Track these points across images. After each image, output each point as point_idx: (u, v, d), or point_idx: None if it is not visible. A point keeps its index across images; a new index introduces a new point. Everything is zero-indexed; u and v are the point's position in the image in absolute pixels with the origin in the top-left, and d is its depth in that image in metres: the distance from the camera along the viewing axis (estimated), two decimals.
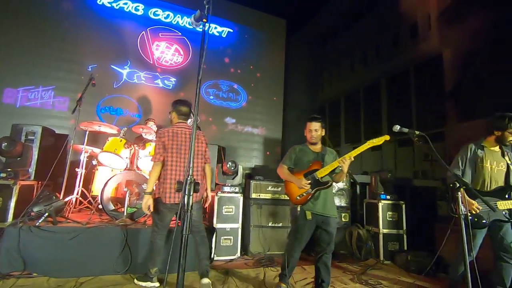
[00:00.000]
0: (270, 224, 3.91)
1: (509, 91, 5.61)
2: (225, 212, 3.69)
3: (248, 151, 6.85)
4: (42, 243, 2.75)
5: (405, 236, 3.90)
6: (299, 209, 2.50)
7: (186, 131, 2.65)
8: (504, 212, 2.35)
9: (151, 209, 2.50)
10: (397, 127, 2.20)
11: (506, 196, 2.36)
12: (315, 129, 2.59)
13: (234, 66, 6.97)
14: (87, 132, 3.76)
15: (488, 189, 2.44)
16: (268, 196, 3.98)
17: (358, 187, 4.89)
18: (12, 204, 2.86)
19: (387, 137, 2.43)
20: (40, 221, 2.84)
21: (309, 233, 2.50)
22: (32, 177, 3.45)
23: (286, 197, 3.94)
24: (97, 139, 4.23)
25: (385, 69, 9.61)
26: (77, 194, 3.54)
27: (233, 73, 6.93)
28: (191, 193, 1.29)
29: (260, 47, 7.33)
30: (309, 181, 2.47)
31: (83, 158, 3.67)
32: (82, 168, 3.63)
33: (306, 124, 2.64)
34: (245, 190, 3.99)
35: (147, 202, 2.47)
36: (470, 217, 2.35)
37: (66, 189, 3.57)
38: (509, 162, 2.43)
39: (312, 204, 2.47)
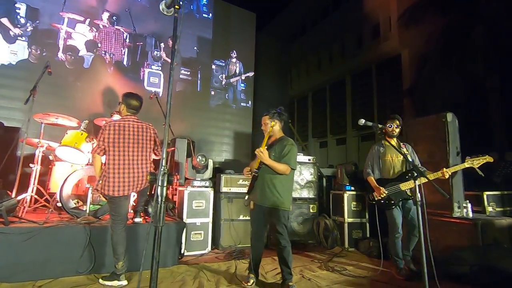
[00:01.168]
0: (241, 217, 3.94)
1: (456, 91, 6.18)
2: (195, 206, 3.64)
3: (219, 145, 6.79)
4: None
5: (367, 224, 4.17)
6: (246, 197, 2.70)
7: (134, 125, 2.71)
8: (406, 190, 2.94)
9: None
10: (362, 121, 2.34)
11: (407, 177, 2.93)
12: (265, 123, 2.72)
13: (204, 57, 6.82)
14: (43, 125, 3.46)
15: (392, 176, 3.05)
16: (239, 189, 3.99)
17: (324, 180, 5.10)
18: None
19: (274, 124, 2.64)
20: None
21: (259, 221, 2.65)
22: None
23: None
24: (54, 132, 3.91)
25: (349, 67, 10.05)
26: (32, 191, 3.26)
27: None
28: (165, 184, 1.26)
29: (231, 40, 7.25)
30: (249, 172, 2.69)
31: (39, 153, 3.38)
32: (37, 163, 3.34)
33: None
34: (215, 184, 3.96)
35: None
36: (382, 201, 3.00)
37: (19, 186, 3.27)
38: (405, 151, 3.00)
39: (253, 194, 2.63)
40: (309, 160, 4.45)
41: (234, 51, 7.23)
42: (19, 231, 2.62)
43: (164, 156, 1.26)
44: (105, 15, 5.74)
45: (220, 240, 3.79)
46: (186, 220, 3.52)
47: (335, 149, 10.75)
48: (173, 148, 4.34)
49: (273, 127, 2.62)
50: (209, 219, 3.69)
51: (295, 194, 4.24)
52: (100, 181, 2.57)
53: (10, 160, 3.38)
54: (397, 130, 3.02)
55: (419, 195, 2.33)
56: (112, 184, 2.54)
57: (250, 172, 2.69)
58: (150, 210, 3.35)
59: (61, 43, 5.29)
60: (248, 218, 3.94)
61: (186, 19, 6.46)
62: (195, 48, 6.62)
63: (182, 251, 3.37)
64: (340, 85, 10.58)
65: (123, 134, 2.63)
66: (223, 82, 7.05)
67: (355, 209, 4.17)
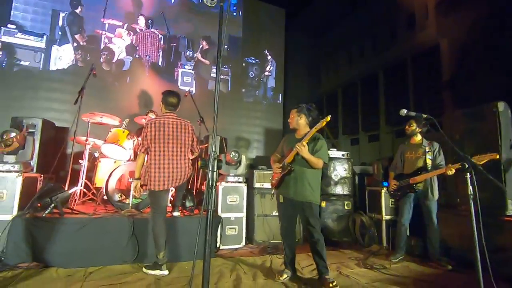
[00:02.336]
0: (274, 213, 3.94)
1: (503, 81, 5.68)
2: (230, 201, 3.71)
3: (250, 142, 6.85)
4: (49, 234, 2.74)
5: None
6: (273, 192, 2.77)
7: (173, 122, 2.81)
8: (413, 185, 3.22)
9: (142, 192, 2.75)
10: (404, 111, 2.27)
11: (418, 173, 3.21)
12: (291, 117, 2.74)
13: (235, 55, 6.91)
14: (89, 124, 3.73)
15: (409, 172, 3.31)
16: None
17: (356, 177, 4.94)
18: (17, 196, 2.83)
19: (327, 119, 2.48)
20: (46, 212, 2.82)
21: (288, 216, 2.69)
22: (35, 170, 3.42)
23: None
24: (99, 130, 4.18)
25: (382, 60, 9.61)
26: (81, 186, 3.52)
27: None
28: (215, 169, 1.31)
29: (260, 37, 7.27)
30: (281, 167, 2.65)
31: (86, 150, 3.64)
32: (85, 160, 3.60)
33: None
34: (248, 180, 4.00)
35: (136, 186, 2.73)
36: (392, 191, 3.47)
37: (70, 181, 3.55)
38: (427, 149, 3.24)
39: (282, 188, 2.65)
40: (342, 155, 4.35)
41: (266, 50, 7.27)
42: (72, 222, 2.84)
43: (214, 141, 1.31)
44: (141, 19, 6.03)
45: (254, 235, 3.83)
46: (221, 214, 3.59)
47: (367, 146, 10.36)
48: (206, 145, 4.46)
49: (299, 120, 2.68)
50: (243, 214, 3.74)
51: (328, 191, 4.17)
52: (145, 176, 2.70)
53: (61, 157, 3.66)
54: (412, 128, 3.33)
55: (430, 190, 3.08)
56: (153, 179, 2.66)
57: (281, 168, 2.66)
58: (187, 204, 3.47)
59: (102, 47, 5.66)
60: None
61: (216, 18, 6.59)
62: (226, 46, 6.73)
63: (218, 245, 3.45)
64: (372, 80, 10.18)
65: (163, 131, 2.73)
66: (254, 80, 7.09)
67: (393, 206, 4.00)
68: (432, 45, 7.81)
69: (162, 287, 2.38)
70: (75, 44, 5.45)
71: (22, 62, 5.09)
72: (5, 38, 5.00)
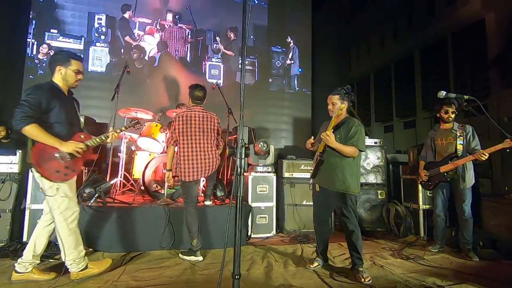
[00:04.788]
0: (304, 203, 3.92)
1: None
2: (259, 191, 3.75)
3: (278, 132, 6.82)
4: (94, 221, 2.99)
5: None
6: (311, 181, 2.69)
7: (200, 114, 2.88)
8: (445, 174, 3.06)
9: (174, 182, 2.91)
10: (443, 93, 2.14)
11: (449, 161, 3.02)
12: (332, 102, 2.52)
13: (261, 45, 6.85)
14: (125, 119, 3.95)
15: (440, 160, 3.12)
16: (301, 174, 3.97)
17: (390, 166, 4.72)
18: None
19: (342, 106, 2.46)
20: (91, 201, 3.07)
21: (322, 205, 2.62)
22: None
23: None
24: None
25: (418, 40, 8.95)
26: (121, 177, 3.76)
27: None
28: (243, 157, 1.34)
29: (287, 25, 7.12)
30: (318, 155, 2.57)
31: (124, 144, 3.87)
32: (123, 153, 3.84)
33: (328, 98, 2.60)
34: (277, 170, 4.01)
35: (168, 177, 2.90)
36: (423, 182, 3.31)
37: (111, 173, 3.81)
38: (458, 134, 3.02)
39: (318, 178, 2.59)
40: (375, 143, 4.18)
41: (289, 37, 7.09)
42: (114, 210, 3.07)
43: (241, 129, 1.33)
44: (169, 15, 6.19)
45: (285, 224, 3.85)
46: (251, 204, 3.66)
47: (402, 133, 9.82)
48: (235, 136, 4.52)
49: (342, 109, 2.44)
50: (273, 204, 3.77)
51: (361, 180, 4.04)
52: (177, 168, 2.82)
53: (102, 151, 3.93)
54: (453, 116, 3.08)
55: (462, 178, 2.87)
56: (183, 170, 2.77)
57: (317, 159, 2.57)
58: (218, 193, 3.57)
59: (134, 45, 5.91)
60: (310, 203, 3.90)
61: (241, 9, 6.55)
62: (252, 37, 6.69)
63: (249, 233, 3.53)
64: (407, 62, 9.54)
65: (190, 123, 2.83)
66: (280, 69, 7.00)
67: (431, 195, 3.78)
68: (477, 20, 7.11)
69: (197, 271, 2.50)
70: (112, 45, 5.76)
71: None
72: (49, 42, 5.42)
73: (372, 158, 4.13)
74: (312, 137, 2.67)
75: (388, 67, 10.26)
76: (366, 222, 3.97)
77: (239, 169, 1.36)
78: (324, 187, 2.55)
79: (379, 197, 4.06)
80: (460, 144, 2.98)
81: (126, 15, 5.81)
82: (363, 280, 2.32)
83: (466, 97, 2.16)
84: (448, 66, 8.08)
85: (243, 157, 1.36)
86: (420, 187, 3.76)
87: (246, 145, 1.36)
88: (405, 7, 9.17)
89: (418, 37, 8.81)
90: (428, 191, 3.77)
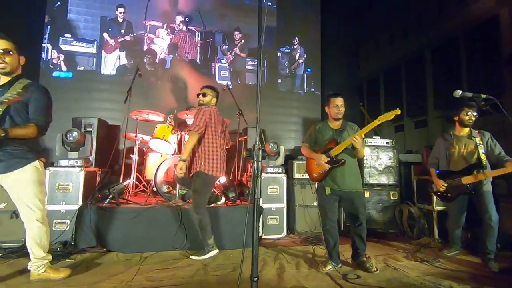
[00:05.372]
0: (315, 204, 3.90)
1: None
2: (270, 192, 3.75)
3: (287, 133, 6.80)
4: (109, 222, 3.04)
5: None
6: (316, 185, 2.70)
7: (219, 115, 2.97)
8: (467, 185, 2.76)
9: (183, 173, 2.74)
10: (459, 92, 2.10)
11: (471, 170, 2.75)
12: (341, 104, 2.62)
13: (270, 45, 6.84)
14: (138, 121, 4.01)
15: (459, 169, 2.84)
16: None
17: (401, 166, 4.65)
18: (81, 188, 3.16)
19: (397, 112, 2.42)
20: (106, 202, 3.13)
21: (333, 207, 2.65)
22: (93, 164, 3.79)
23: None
24: (146, 127, 4.49)
25: (429, 38, 8.79)
26: (133, 178, 3.82)
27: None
28: (260, 159, 1.35)
29: (295, 25, 7.10)
30: (328, 160, 2.57)
31: (136, 145, 3.93)
32: (135, 154, 3.90)
33: (330, 100, 2.66)
34: (288, 171, 4.00)
35: (182, 168, 2.72)
36: (439, 193, 2.99)
37: (123, 174, 3.88)
38: (478, 142, 2.77)
39: (330, 181, 2.59)
40: (387, 143, 4.14)
41: (296, 38, 7.07)
42: (128, 211, 3.12)
43: (258, 132, 1.34)
44: (179, 18, 6.26)
45: (296, 225, 3.84)
46: (262, 205, 3.66)
47: (413, 133, 9.66)
48: (245, 137, 4.53)
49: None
50: (283, 205, 3.76)
51: (373, 180, 4.01)
52: (200, 160, 2.79)
53: (115, 152, 4.00)
54: (474, 118, 2.82)
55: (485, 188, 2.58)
56: (213, 163, 2.79)
57: (329, 162, 2.56)
58: (230, 194, 3.58)
59: (145, 49, 6.00)
60: None
61: (249, 10, 6.58)
62: (261, 38, 6.68)
63: (260, 234, 3.53)
64: (417, 61, 9.38)
65: (216, 120, 2.88)
66: (287, 70, 6.98)
67: (431, 191, 3.69)
68: (490, 16, 6.95)
69: (210, 272, 2.51)
70: (121, 48, 5.86)
71: (78, 67, 5.63)
72: (63, 47, 5.56)
73: (384, 159, 4.08)
74: (323, 155, 2.60)
75: (398, 66, 10.12)
76: (378, 223, 3.93)
77: (256, 171, 1.36)
78: (336, 189, 2.58)
79: (391, 198, 4.01)
80: (483, 153, 2.72)
81: (118, 14, 5.85)
82: (374, 269, 2.53)
83: (483, 96, 2.10)
84: (460, 64, 7.92)
85: (259, 160, 1.37)
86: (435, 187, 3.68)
87: (263, 148, 1.37)
88: (415, 5, 9.03)
89: (429, 35, 8.66)
90: None
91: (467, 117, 2.83)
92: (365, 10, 11.46)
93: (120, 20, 5.85)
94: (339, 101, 2.62)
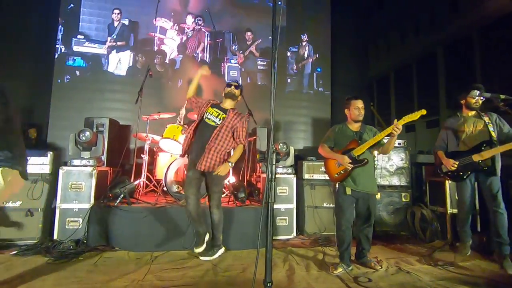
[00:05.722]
0: (325, 205, 3.87)
1: None
2: (279, 193, 3.73)
3: (296, 133, 6.75)
4: (120, 221, 3.08)
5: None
6: (337, 186, 2.68)
7: None
8: (479, 162, 2.72)
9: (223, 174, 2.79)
10: (476, 93, 2.03)
11: (482, 148, 2.73)
12: (362, 107, 2.68)
13: (279, 45, 6.80)
14: (148, 121, 4.04)
15: (469, 148, 2.83)
16: (321, 176, 3.92)
17: (413, 167, 4.56)
18: (93, 187, 3.21)
19: (423, 112, 2.47)
20: (117, 201, 3.17)
21: (351, 208, 2.67)
22: (105, 164, 3.85)
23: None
24: (157, 127, 4.53)
25: (442, 36, 8.60)
26: (144, 178, 3.86)
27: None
28: (274, 163, 1.35)
29: (305, 24, 7.05)
30: (351, 161, 2.58)
31: (147, 145, 3.97)
32: (146, 154, 3.94)
33: (350, 102, 2.71)
34: (297, 171, 3.98)
35: (225, 170, 2.77)
36: (450, 173, 2.92)
37: (134, 174, 3.92)
38: (487, 121, 2.79)
39: (351, 181, 2.60)
40: (399, 144, 4.06)
41: (305, 34, 7.01)
42: (139, 210, 3.16)
43: (272, 136, 1.33)
44: (189, 18, 6.29)
45: (305, 226, 3.82)
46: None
47: (425, 133, 9.48)
48: (254, 137, 4.52)
49: None
50: (293, 205, 3.74)
51: (384, 182, 3.95)
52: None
53: (126, 152, 4.05)
54: (481, 101, 2.85)
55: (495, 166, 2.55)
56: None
57: (351, 162, 2.56)
58: (239, 195, 3.58)
59: (156, 49, 6.06)
60: (331, 205, 3.85)
61: (259, 10, 6.56)
62: (270, 37, 6.66)
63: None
64: (429, 60, 9.18)
65: None
66: (295, 68, 6.94)
67: (440, 172, 3.59)
68: (506, 13, 6.75)
69: (219, 273, 2.52)
70: (134, 49, 5.94)
71: (90, 68, 5.72)
72: (76, 48, 5.66)
73: (396, 160, 4.02)
74: (345, 156, 2.61)
75: (409, 64, 9.93)
76: (389, 225, 3.87)
77: (270, 175, 1.35)
78: (356, 190, 2.59)
79: (403, 200, 3.94)
80: (492, 131, 2.74)
81: (113, 17, 5.90)
82: (378, 267, 2.65)
83: (502, 96, 2.06)
84: (474, 63, 7.72)
85: (273, 163, 1.35)
86: (447, 189, 3.61)
87: (276, 150, 1.36)
88: (427, 2, 8.84)
89: (441, 33, 8.47)
90: (456, 195, 3.61)
91: (473, 100, 2.85)
92: (375, 8, 11.29)
93: (115, 24, 5.88)
94: (360, 103, 2.67)
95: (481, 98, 2.83)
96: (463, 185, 2.91)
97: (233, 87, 2.94)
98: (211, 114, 2.86)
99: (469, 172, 2.84)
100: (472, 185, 2.89)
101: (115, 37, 5.83)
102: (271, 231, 1.33)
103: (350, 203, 2.65)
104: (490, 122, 2.80)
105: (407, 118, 2.45)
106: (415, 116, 2.43)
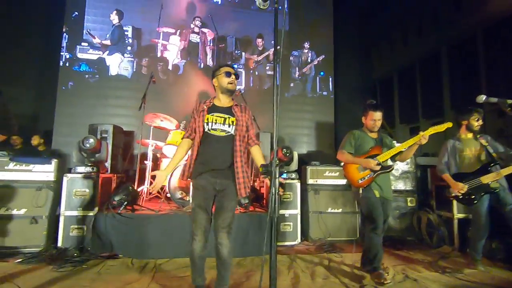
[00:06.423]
0: (329, 210, 3.84)
1: None
2: (284, 198, 3.70)
3: (300, 137, 6.72)
4: (124, 228, 3.07)
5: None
6: (361, 191, 2.59)
7: None
8: (489, 183, 2.74)
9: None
10: (482, 97, 2.06)
11: (488, 169, 2.76)
12: (379, 119, 2.68)
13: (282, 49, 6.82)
14: (152, 127, 4.05)
15: (473, 170, 2.84)
16: (325, 181, 3.89)
17: (418, 170, 4.51)
18: (97, 194, 3.22)
19: (449, 124, 2.58)
20: (121, 208, 3.16)
21: (381, 211, 2.57)
22: (109, 170, 3.86)
23: (344, 182, 3.85)
24: (160, 133, 4.53)
25: (445, 37, 8.53)
26: (148, 184, 3.86)
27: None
28: (277, 176, 1.32)
29: (307, 28, 7.05)
30: (377, 164, 2.56)
31: (150, 151, 3.98)
32: (149, 160, 3.94)
33: (368, 112, 2.69)
34: (301, 176, 3.95)
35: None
36: (461, 196, 2.85)
37: (138, 180, 3.92)
38: (484, 143, 2.85)
39: (377, 186, 2.59)
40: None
41: (308, 42, 7.03)
42: (142, 217, 3.15)
43: (276, 149, 1.31)
44: (192, 24, 6.32)
45: (310, 232, 3.78)
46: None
47: (429, 135, 9.34)
48: (258, 142, 4.50)
49: None
50: (297, 211, 3.71)
51: None
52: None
53: (130, 158, 4.05)
54: (479, 124, 2.92)
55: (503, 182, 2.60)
56: None
57: (379, 168, 2.54)
58: (242, 201, 3.56)
59: (159, 56, 6.10)
60: (336, 211, 3.83)
61: (265, 15, 6.57)
62: (272, 42, 6.68)
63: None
64: (433, 60, 9.10)
65: None
66: (297, 74, 6.93)
67: (449, 196, 3.55)
68: (510, 13, 6.67)
69: None
70: (137, 55, 5.98)
71: (94, 74, 5.77)
72: (80, 55, 5.71)
73: (401, 164, 3.97)
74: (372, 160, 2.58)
75: (412, 66, 9.85)
76: (395, 230, 3.82)
77: (273, 188, 1.32)
78: (382, 196, 2.60)
79: (409, 204, 3.90)
80: (492, 152, 2.80)
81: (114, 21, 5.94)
82: (386, 275, 2.52)
83: (509, 101, 2.03)
84: (478, 63, 7.63)
85: (277, 176, 1.33)
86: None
87: (280, 164, 1.33)
88: (430, 2, 8.77)
89: (445, 33, 8.39)
90: None
91: (476, 123, 2.90)
92: (377, 9, 11.25)
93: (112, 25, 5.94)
94: (377, 115, 2.66)
95: (481, 122, 2.91)
96: (479, 210, 2.84)
97: (233, 76, 2.21)
98: (215, 123, 2.15)
99: (482, 194, 2.80)
100: (485, 205, 2.83)
101: (108, 37, 5.87)
102: (275, 249, 1.29)
103: (380, 206, 2.57)
104: (487, 144, 2.86)
105: (433, 130, 2.52)
106: (441, 128, 2.52)
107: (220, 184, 2.10)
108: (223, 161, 2.11)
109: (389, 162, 2.62)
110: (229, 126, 2.16)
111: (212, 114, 2.16)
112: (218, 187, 2.11)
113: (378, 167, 2.53)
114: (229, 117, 2.18)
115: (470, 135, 2.99)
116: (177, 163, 2.30)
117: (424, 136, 2.46)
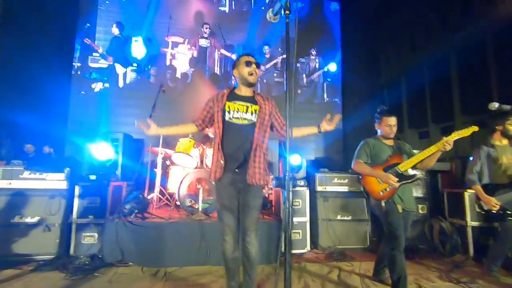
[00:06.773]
0: (338, 218, 3.80)
1: None
2: (292, 205, 3.68)
3: (308, 144, 6.70)
4: (134, 236, 3.10)
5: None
6: (383, 204, 2.43)
7: None
8: None
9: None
10: (495, 105, 2.03)
11: None
12: (394, 124, 2.56)
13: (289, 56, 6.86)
14: (161, 136, 4.10)
15: (507, 181, 2.66)
16: (334, 188, 3.86)
17: (428, 175, 4.43)
18: (108, 202, 3.26)
19: (475, 128, 2.36)
20: (132, 216, 3.20)
21: (403, 226, 2.42)
22: (119, 178, 3.91)
23: (353, 189, 3.82)
24: (169, 140, 4.58)
25: (454, 40, 8.44)
26: (157, 192, 3.90)
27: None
28: (291, 189, 1.32)
29: (315, 34, 7.08)
30: (398, 175, 2.44)
31: (160, 159, 4.02)
32: (158, 168, 3.98)
33: (382, 118, 2.58)
34: (310, 183, 3.93)
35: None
36: (494, 212, 2.65)
37: (148, 188, 3.96)
38: None
39: (400, 198, 2.43)
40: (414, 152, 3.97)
41: (314, 48, 7.06)
42: (152, 225, 3.17)
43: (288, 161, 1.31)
44: (200, 33, 6.43)
45: (319, 240, 3.74)
46: (284, 219, 3.59)
47: (439, 140, 9.18)
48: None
49: None
50: (306, 218, 3.69)
51: None
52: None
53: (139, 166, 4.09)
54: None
55: None
56: None
57: (398, 180, 2.42)
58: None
59: (168, 65, 6.21)
60: (345, 218, 3.79)
61: (270, 23, 6.63)
62: (280, 49, 6.74)
63: (282, 250, 3.46)
64: (442, 65, 9.00)
65: None
66: (305, 80, 6.95)
67: (480, 210, 3.49)
68: None
69: None
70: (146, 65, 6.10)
71: (106, 84, 5.91)
72: (92, 65, 5.86)
73: (409, 170, 3.91)
74: (391, 174, 2.46)
75: (421, 69, 9.75)
76: (406, 239, 3.70)
77: (287, 202, 1.33)
78: (405, 208, 2.43)
79: (420, 212, 3.83)
80: None
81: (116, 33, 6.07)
82: None
83: None
84: (488, 68, 7.52)
85: (290, 190, 1.34)
86: (467, 201, 3.48)
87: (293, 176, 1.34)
88: (438, 5, 8.71)
89: (454, 37, 8.31)
90: (476, 206, 3.49)
91: (510, 129, 2.72)
92: (384, 14, 11.22)
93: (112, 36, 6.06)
94: (392, 120, 2.54)
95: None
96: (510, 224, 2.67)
97: (254, 66, 2.12)
98: (236, 111, 2.06)
99: None
100: None
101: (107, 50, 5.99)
102: (290, 261, 1.30)
103: (402, 222, 2.41)
104: None
105: (457, 135, 2.35)
106: (466, 132, 2.34)
107: (242, 181, 2.04)
108: (247, 152, 2.04)
109: (410, 171, 2.48)
110: (251, 114, 2.09)
111: (234, 102, 2.09)
112: (240, 185, 2.06)
113: (397, 184, 2.39)
114: (251, 105, 2.10)
115: (505, 142, 2.79)
116: (169, 133, 2.48)
117: (448, 142, 2.30)
